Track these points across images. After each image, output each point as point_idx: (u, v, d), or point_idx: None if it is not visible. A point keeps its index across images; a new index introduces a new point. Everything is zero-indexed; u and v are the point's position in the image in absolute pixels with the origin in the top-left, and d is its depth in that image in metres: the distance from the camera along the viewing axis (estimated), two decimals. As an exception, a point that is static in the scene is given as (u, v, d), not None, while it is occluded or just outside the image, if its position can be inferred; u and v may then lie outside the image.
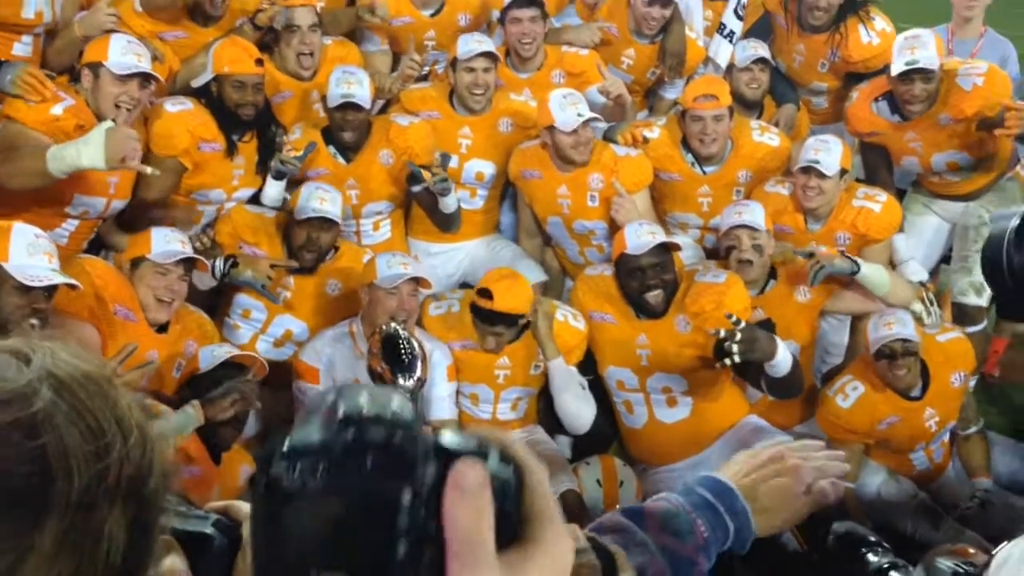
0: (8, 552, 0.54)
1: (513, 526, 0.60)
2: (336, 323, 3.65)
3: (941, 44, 3.96)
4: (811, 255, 3.63)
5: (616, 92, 4.17)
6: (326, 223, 3.64)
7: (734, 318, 3.21)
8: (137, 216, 3.58)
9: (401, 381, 2.84)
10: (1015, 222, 0.84)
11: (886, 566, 0.98)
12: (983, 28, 4.61)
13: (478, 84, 4.02)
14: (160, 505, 0.63)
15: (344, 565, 0.56)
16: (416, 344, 2.93)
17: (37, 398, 0.57)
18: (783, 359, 3.26)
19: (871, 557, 0.92)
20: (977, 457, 3.76)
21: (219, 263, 3.49)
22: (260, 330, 3.75)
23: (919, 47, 3.86)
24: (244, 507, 0.78)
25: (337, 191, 3.73)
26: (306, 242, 3.64)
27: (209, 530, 0.75)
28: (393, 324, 3.06)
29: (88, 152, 2.95)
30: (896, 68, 3.87)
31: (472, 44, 4.00)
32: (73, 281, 2.80)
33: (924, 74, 3.85)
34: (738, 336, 3.12)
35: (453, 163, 4.11)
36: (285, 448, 0.58)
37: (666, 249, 3.58)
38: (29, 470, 0.55)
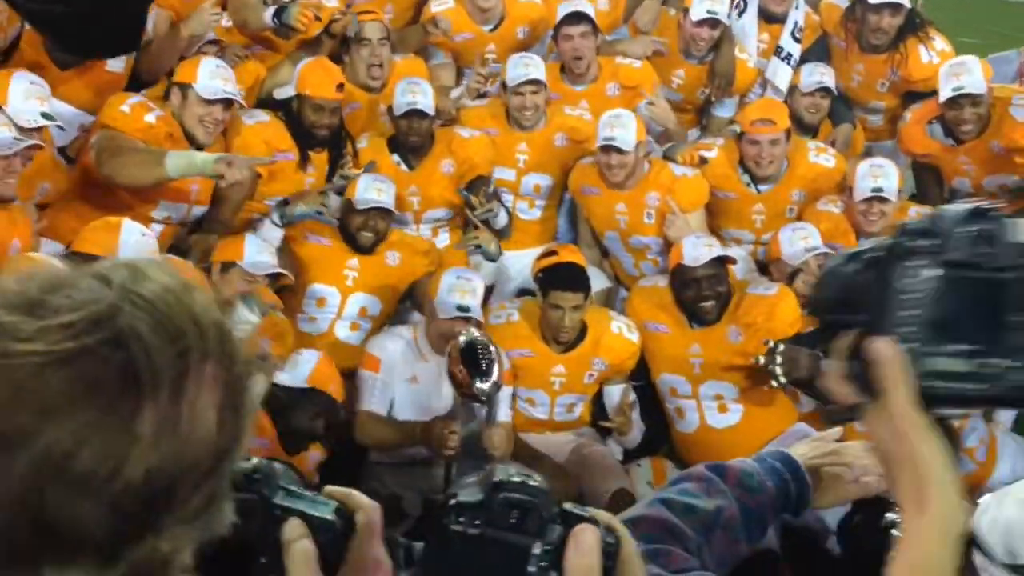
0: (115, 443, 0.64)
1: None
2: (399, 289, 3.90)
3: (988, 69, 4.01)
4: None
5: (660, 122, 4.31)
6: (382, 212, 3.81)
7: (771, 343, 3.31)
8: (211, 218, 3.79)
9: (479, 384, 3.05)
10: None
11: (900, 520, 1.13)
12: None
13: (527, 107, 4.16)
14: (243, 389, 0.71)
15: None
16: (494, 350, 3.09)
17: (121, 314, 0.65)
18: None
19: (889, 516, 1.09)
20: None
21: (274, 213, 3.67)
22: (336, 315, 3.89)
23: (964, 73, 3.93)
24: (359, 496, 0.86)
25: (392, 183, 3.89)
26: (363, 226, 3.82)
27: (331, 516, 0.82)
28: (473, 330, 3.23)
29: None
30: (944, 95, 3.94)
31: (520, 69, 4.12)
32: None
33: (972, 99, 3.91)
34: (778, 360, 3.23)
35: (511, 176, 4.28)
36: (454, 503, 0.80)
37: (721, 262, 3.69)
38: (119, 376, 0.64)
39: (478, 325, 3.40)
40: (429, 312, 3.65)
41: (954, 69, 3.98)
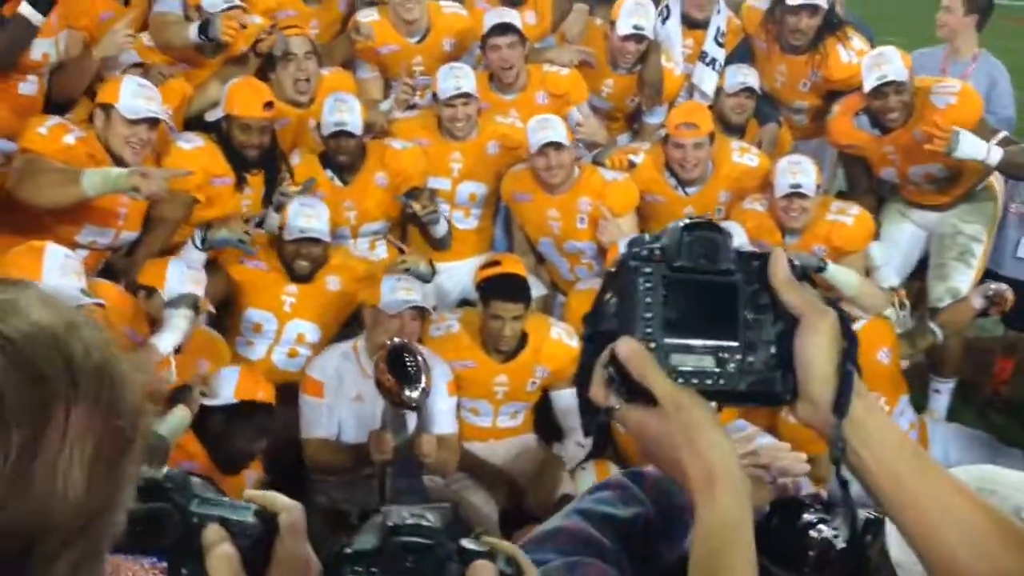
0: None
1: None
2: (340, 316, 3.85)
3: (908, 59, 4.14)
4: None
5: (591, 139, 4.39)
6: (313, 241, 3.77)
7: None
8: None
9: (407, 392, 3.01)
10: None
11: (815, 520, 1.13)
12: (977, 51, 4.81)
13: (458, 119, 4.17)
14: (126, 441, 0.64)
15: None
16: (421, 357, 3.07)
17: None
18: None
19: (806, 517, 1.06)
20: None
21: (196, 235, 3.62)
22: (274, 340, 3.86)
23: (885, 63, 4.05)
24: (280, 497, 0.85)
25: (323, 204, 3.86)
26: (296, 255, 3.78)
27: (251, 519, 0.82)
28: (398, 339, 3.20)
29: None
30: (868, 85, 4.05)
31: (450, 82, 4.12)
32: (100, 301, 2.91)
33: (895, 86, 4.03)
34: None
35: (446, 186, 4.27)
36: (348, 551, 0.84)
37: None
38: None
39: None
40: (371, 321, 3.63)
41: (876, 60, 4.10)
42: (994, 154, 3.92)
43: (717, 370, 0.85)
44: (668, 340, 0.85)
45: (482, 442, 3.84)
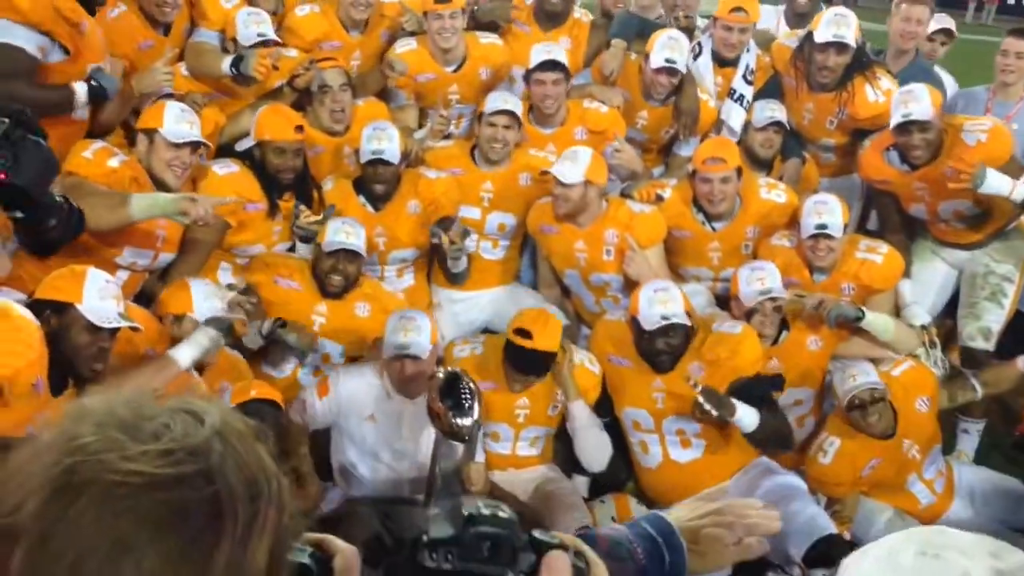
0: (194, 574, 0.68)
1: None
2: (362, 345, 3.90)
3: (937, 97, 4.15)
4: (820, 303, 3.81)
5: (628, 168, 4.43)
6: (351, 255, 3.85)
7: (697, 387, 3.55)
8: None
9: (459, 421, 3.01)
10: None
11: None
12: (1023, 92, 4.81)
13: (496, 138, 4.24)
14: (290, 540, 0.77)
15: None
16: (474, 387, 3.09)
17: (213, 452, 0.71)
18: (743, 417, 3.56)
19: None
20: None
21: (265, 324, 3.68)
22: (301, 360, 3.92)
23: (912, 101, 4.07)
24: (336, 541, 0.91)
25: (361, 226, 3.94)
26: (332, 269, 3.86)
27: (307, 560, 0.86)
28: (452, 367, 3.25)
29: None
30: (894, 121, 4.08)
31: (498, 102, 4.23)
32: (137, 324, 3.01)
33: (919, 125, 4.05)
34: (709, 400, 3.49)
35: (476, 215, 4.35)
36: (426, 539, 0.88)
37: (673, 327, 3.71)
38: (208, 510, 0.70)
39: (439, 362, 3.41)
40: (383, 353, 3.69)
41: (903, 97, 4.12)
42: (1020, 190, 3.92)
43: None
44: None
45: (502, 471, 3.87)
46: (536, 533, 0.88)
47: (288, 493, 0.77)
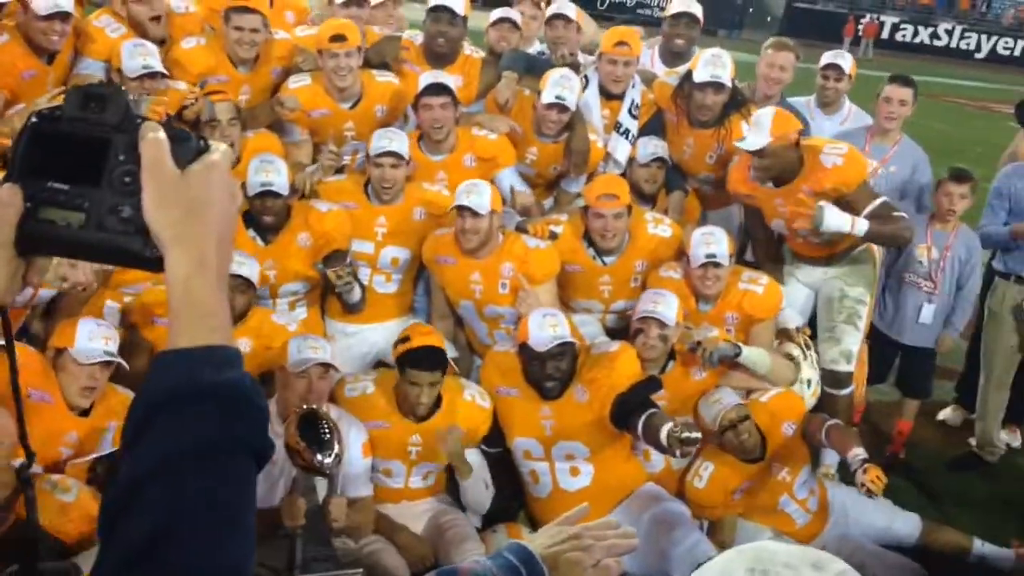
0: None
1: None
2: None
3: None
4: (698, 344, 3.95)
5: (521, 204, 4.55)
6: (244, 283, 3.83)
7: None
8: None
9: (320, 458, 3.00)
10: None
11: None
12: (900, 136, 5.08)
13: (385, 178, 4.26)
14: None
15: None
16: (333, 423, 3.09)
17: None
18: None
19: None
20: None
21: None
22: None
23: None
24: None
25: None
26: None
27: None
28: (309, 404, 3.23)
29: None
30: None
31: (382, 142, 4.24)
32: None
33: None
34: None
35: (369, 249, 4.35)
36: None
37: (565, 346, 3.82)
38: None
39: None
40: (282, 383, 3.67)
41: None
42: (860, 226, 4.15)
43: (68, 222, 0.86)
44: (29, 186, 0.86)
45: (395, 504, 3.88)
46: None
47: None
